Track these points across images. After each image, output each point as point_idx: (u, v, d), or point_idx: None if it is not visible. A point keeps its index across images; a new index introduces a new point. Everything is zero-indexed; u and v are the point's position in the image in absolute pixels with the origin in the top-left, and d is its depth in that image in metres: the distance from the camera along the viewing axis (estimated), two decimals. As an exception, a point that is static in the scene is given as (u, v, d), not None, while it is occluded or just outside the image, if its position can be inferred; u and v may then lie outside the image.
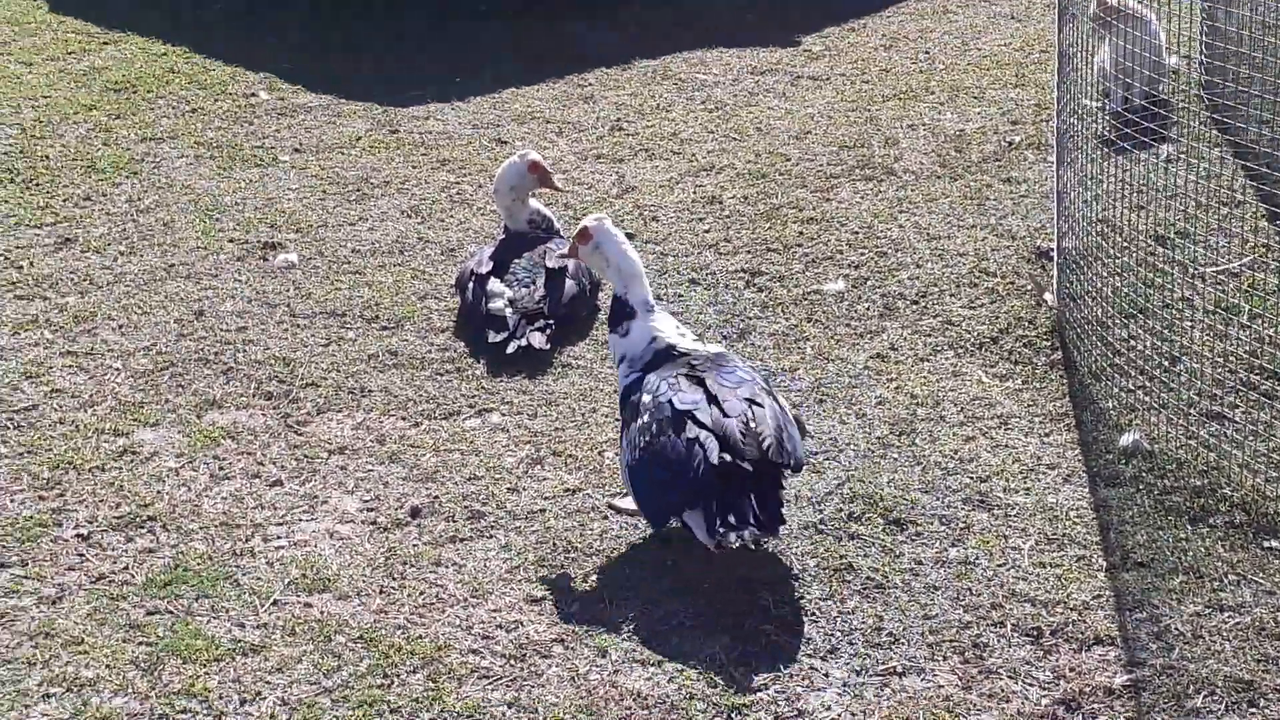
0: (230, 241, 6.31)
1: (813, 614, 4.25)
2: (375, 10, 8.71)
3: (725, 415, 4.27)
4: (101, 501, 4.77)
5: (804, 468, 4.53)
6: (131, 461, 4.97)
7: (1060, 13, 5.65)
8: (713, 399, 4.32)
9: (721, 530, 4.16)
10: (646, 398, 4.38)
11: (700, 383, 4.37)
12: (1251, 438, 4.81)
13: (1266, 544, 4.43)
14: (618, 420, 4.71)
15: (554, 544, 4.54)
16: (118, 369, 5.46)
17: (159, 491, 4.82)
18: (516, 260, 5.67)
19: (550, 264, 5.67)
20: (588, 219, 4.73)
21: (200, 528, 4.65)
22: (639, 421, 4.37)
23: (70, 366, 5.47)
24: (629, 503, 4.59)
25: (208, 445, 5.04)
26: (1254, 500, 4.58)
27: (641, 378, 4.48)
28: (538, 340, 5.46)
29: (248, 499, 4.79)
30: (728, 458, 4.19)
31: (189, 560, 4.50)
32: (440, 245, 6.26)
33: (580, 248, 4.71)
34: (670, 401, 4.32)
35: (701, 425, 4.25)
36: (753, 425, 4.26)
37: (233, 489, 4.84)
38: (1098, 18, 6.13)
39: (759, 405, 4.32)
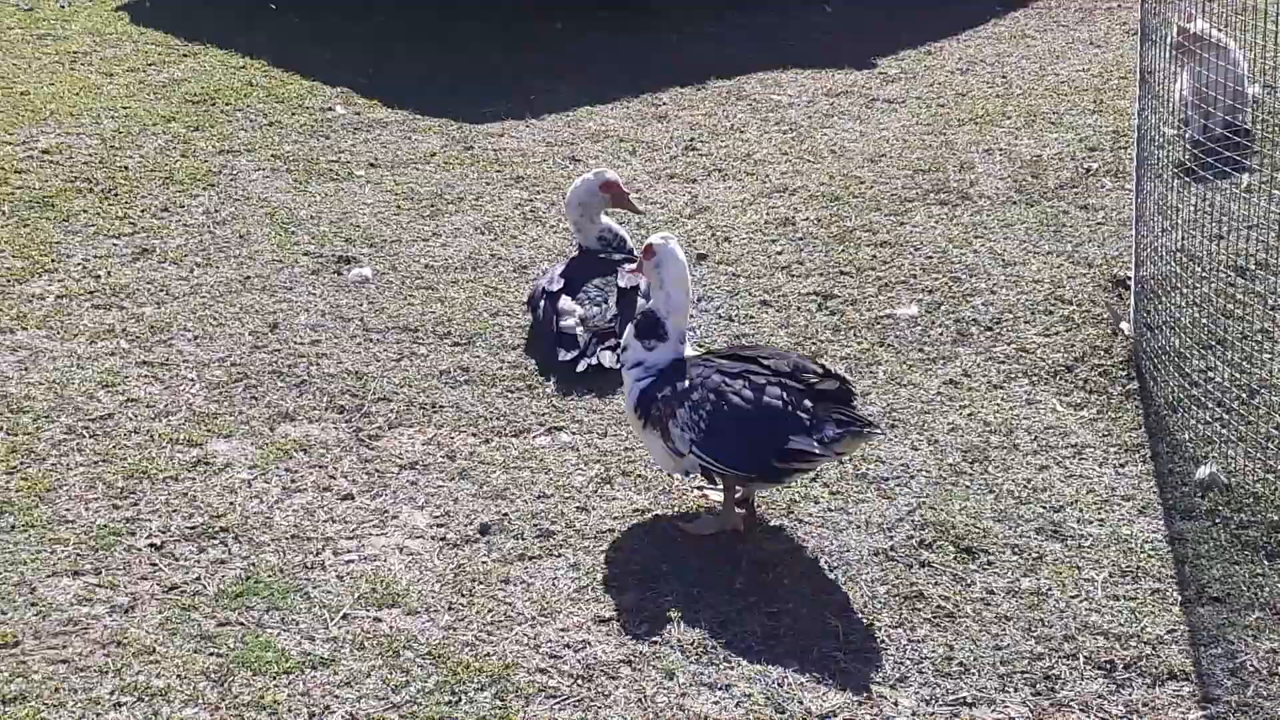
0: (305, 255, 6.35)
1: (883, 641, 4.22)
2: (449, 29, 8.74)
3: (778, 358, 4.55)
4: (175, 511, 4.80)
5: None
6: (205, 472, 4.99)
7: (1141, 38, 5.61)
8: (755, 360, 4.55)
9: (833, 433, 4.33)
10: (686, 383, 4.53)
11: (735, 357, 4.61)
12: (1330, 473, 4.75)
13: (1345, 581, 4.37)
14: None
15: (622, 564, 4.53)
16: (192, 380, 5.50)
17: (231, 503, 4.85)
18: (588, 279, 5.67)
19: (622, 283, 5.67)
20: (655, 236, 4.74)
21: (271, 540, 4.67)
22: (691, 400, 4.50)
23: (146, 376, 5.51)
24: (715, 493, 4.70)
25: (280, 458, 5.07)
26: (1332, 536, 4.53)
27: (658, 379, 4.61)
28: (608, 359, 5.46)
29: (319, 512, 4.81)
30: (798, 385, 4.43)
31: (260, 572, 4.51)
32: (513, 262, 6.27)
33: (645, 263, 4.73)
34: (717, 372, 4.52)
35: (760, 371, 4.48)
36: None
37: (304, 502, 4.86)
38: (1179, 44, 6.08)
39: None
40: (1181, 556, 4.51)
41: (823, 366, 4.54)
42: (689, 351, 4.73)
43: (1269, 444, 4.90)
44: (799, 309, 5.87)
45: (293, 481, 4.96)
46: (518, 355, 5.63)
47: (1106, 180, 6.78)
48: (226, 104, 7.78)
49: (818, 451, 4.36)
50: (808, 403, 4.42)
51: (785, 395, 4.42)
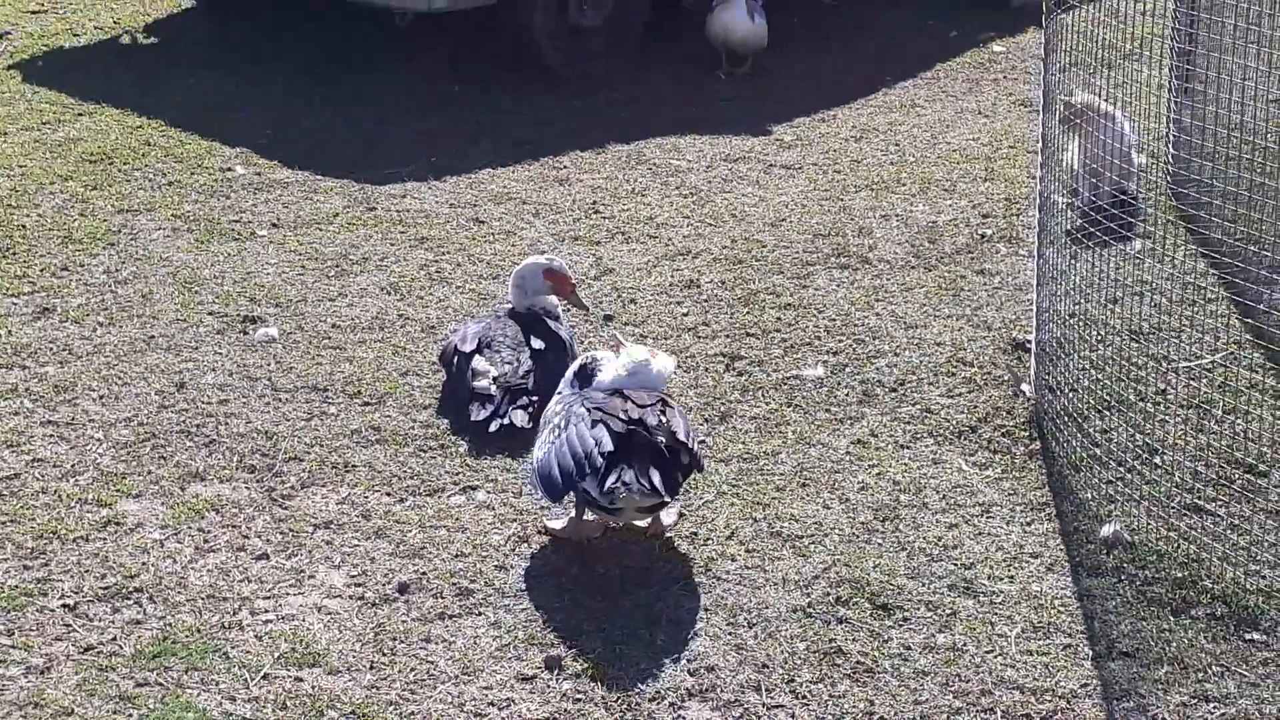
0: (210, 314, 6.31)
1: (804, 697, 4.27)
2: (349, 91, 8.75)
3: (635, 406, 4.73)
4: (87, 572, 4.75)
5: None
6: (115, 532, 4.95)
7: (1043, 108, 5.76)
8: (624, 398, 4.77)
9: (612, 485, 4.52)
10: (560, 408, 4.82)
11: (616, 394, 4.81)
12: (1230, 531, 4.88)
13: (1248, 636, 4.50)
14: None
15: (544, 622, 4.55)
16: (99, 439, 5.45)
17: (144, 563, 4.80)
18: (501, 338, 5.70)
19: (535, 344, 5.70)
20: (661, 358, 5.06)
21: (187, 600, 4.64)
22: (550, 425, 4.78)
23: (51, 436, 5.45)
24: (555, 522, 4.89)
25: (192, 517, 5.03)
26: (1234, 593, 4.65)
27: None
28: (520, 419, 5.49)
29: (234, 572, 4.78)
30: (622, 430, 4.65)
31: (177, 632, 4.48)
32: (420, 323, 6.28)
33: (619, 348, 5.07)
34: (577, 403, 4.77)
35: (606, 415, 4.67)
36: (659, 419, 4.72)
37: (218, 561, 4.83)
38: (1065, 118, 6.25)
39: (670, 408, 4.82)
40: (1090, 612, 4.62)
41: (671, 432, 4.69)
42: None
43: (1170, 503, 5.03)
44: (706, 370, 5.94)
45: (206, 541, 4.93)
46: (429, 415, 5.63)
47: (1001, 246, 6.93)
48: (124, 163, 7.73)
49: (594, 495, 4.57)
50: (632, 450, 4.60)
51: (603, 439, 4.60)
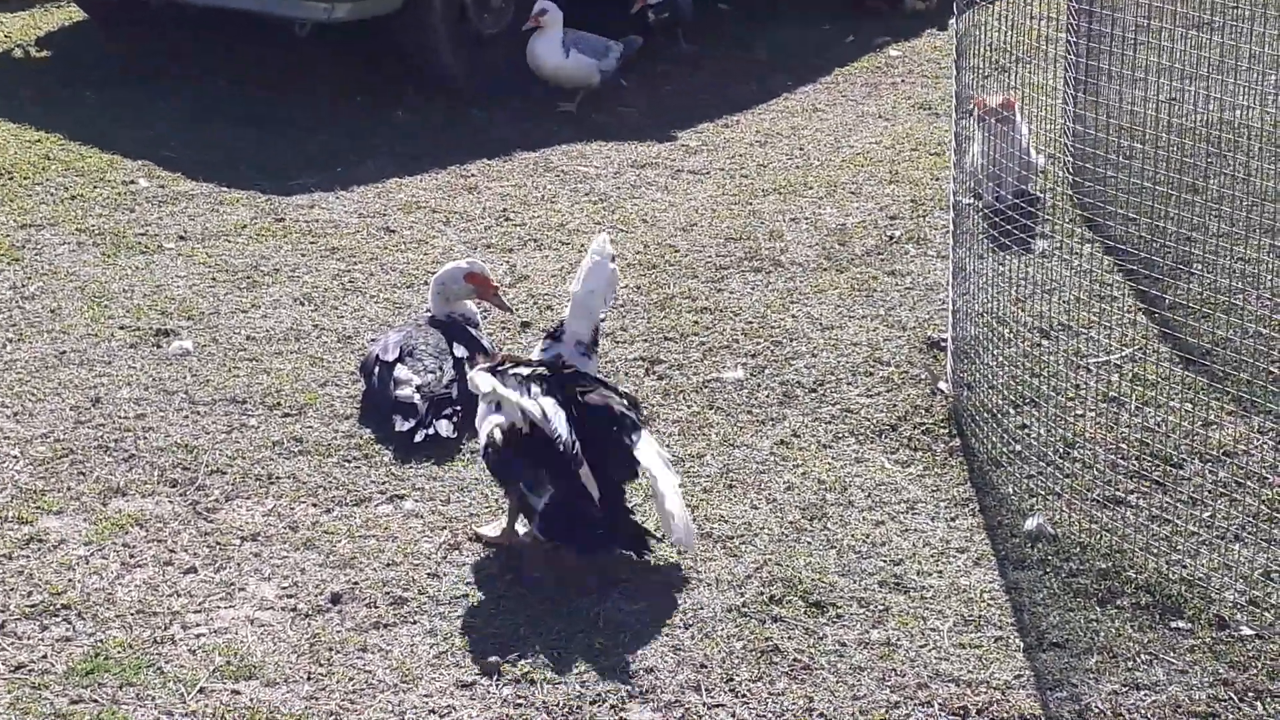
0: (121, 329, 6.24)
1: (744, 695, 4.30)
2: (251, 104, 8.68)
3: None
4: (11, 590, 4.68)
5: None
6: (39, 549, 4.88)
7: (956, 108, 5.84)
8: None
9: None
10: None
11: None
12: (1151, 521, 4.98)
13: (1173, 624, 4.58)
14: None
15: (480, 629, 4.55)
16: (16, 456, 5.37)
17: (70, 580, 4.74)
18: (424, 347, 5.68)
19: (457, 353, 5.69)
20: (600, 236, 5.26)
21: (116, 616, 4.58)
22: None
23: (-34, 454, 5.36)
24: (488, 530, 4.92)
25: (115, 533, 4.97)
26: (1158, 582, 4.74)
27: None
28: (445, 429, 5.47)
29: (162, 586, 4.73)
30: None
31: (109, 648, 4.43)
32: (336, 333, 6.25)
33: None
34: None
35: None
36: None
37: (146, 576, 4.78)
38: (980, 118, 6.34)
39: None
40: (1019, 605, 4.69)
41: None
42: (591, 368, 5.05)
43: (1089, 496, 5.12)
44: (627, 374, 5.96)
45: (131, 557, 4.88)
46: (351, 425, 5.61)
47: (910, 247, 7.01)
48: (25, 178, 7.62)
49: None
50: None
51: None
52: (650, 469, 4.67)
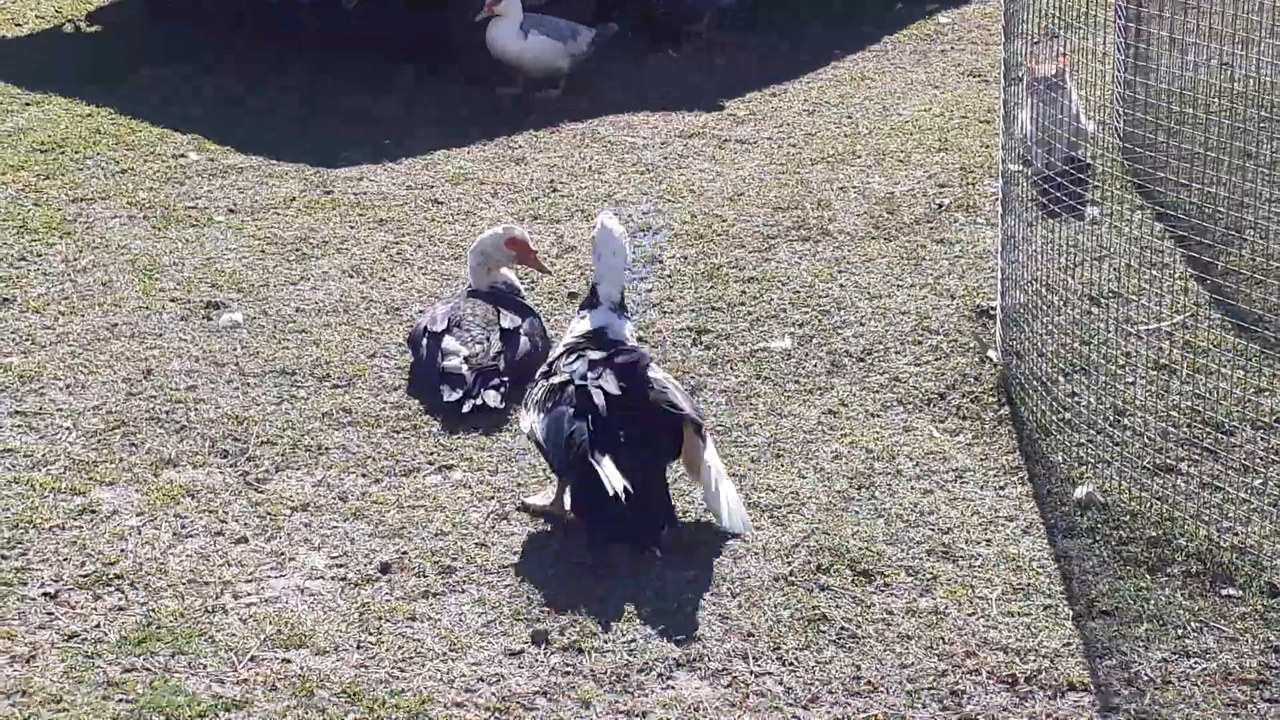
0: (172, 301, 6.28)
1: (791, 663, 4.31)
2: (299, 77, 8.71)
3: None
4: (65, 560, 4.72)
5: None
6: (91, 520, 4.92)
7: (1004, 76, 5.81)
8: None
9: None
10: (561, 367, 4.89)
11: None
12: (1201, 489, 4.95)
13: (1224, 592, 4.56)
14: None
15: (528, 597, 4.56)
16: (68, 428, 5.41)
17: (122, 550, 4.78)
18: (471, 318, 5.70)
19: (505, 323, 5.71)
20: (604, 211, 5.26)
21: (168, 585, 4.62)
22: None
23: (20, 426, 5.41)
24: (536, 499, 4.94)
25: (167, 503, 5.01)
26: (1208, 550, 4.71)
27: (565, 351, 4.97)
28: (492, 399, 5.49)
29: (214, 556, 4.77)
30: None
31: (161, 618, 4.46)
32: (384, 304, 6.27)
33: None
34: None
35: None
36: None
37: (197, 546, 4.82)
38: (1031, 86, 6.30)
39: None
40: (1068, 573, 4.67)
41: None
42: (628, 329, 5.04)
43: (1139, 464, 5.09)
44: (675, 344, 5.96)
45: (183, 527, 4.91)
46: (399, 396, 5.63)
47: (959, 215, 6.97)
48: (76, 152, 7.67)
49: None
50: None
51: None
52: (710, 463, 4.75)
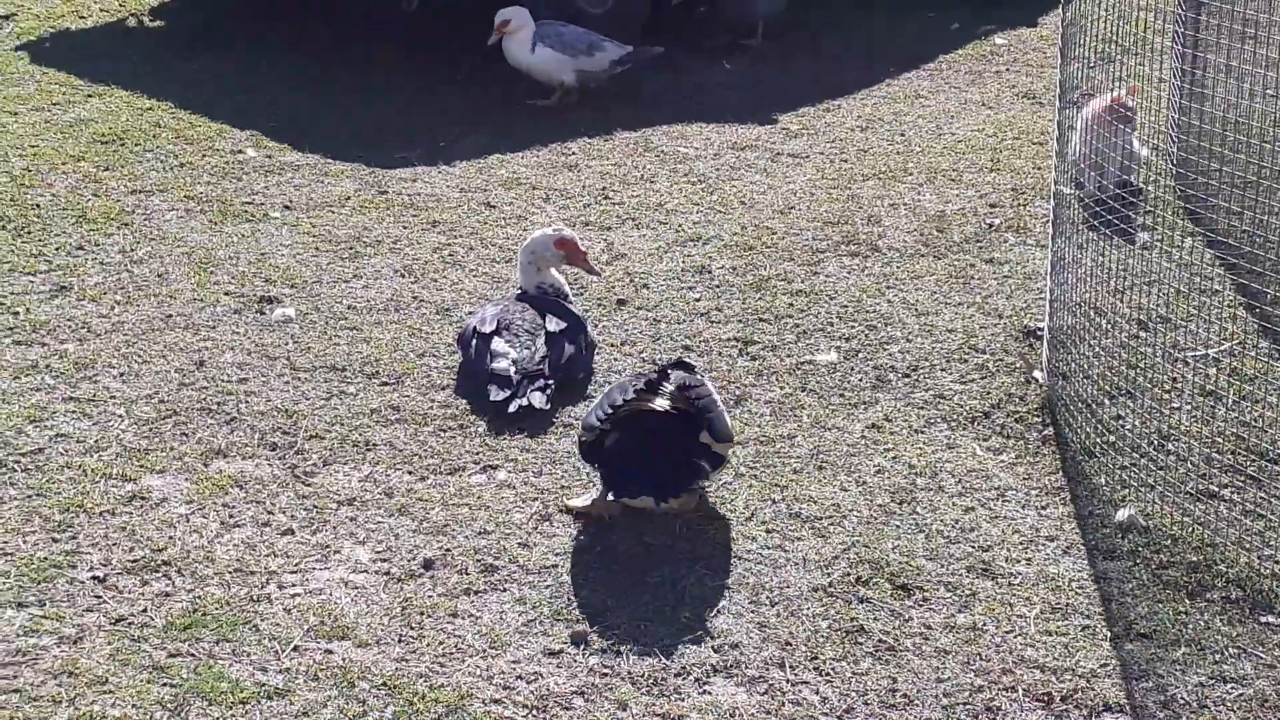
0: (226, 294, 6.35)
1: (827, 674, 4.33)
2: (355, 75, 8.79)
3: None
4: (114, 545, 4.79)
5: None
6: (141, 506, 4.99)
7: (1060, 98, 5.83)
8: None
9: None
10: None
11: None
12: (1244, 516, 4.95)
13: (1263, 619, 4.56)
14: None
15: (568, 598, 4.61)
16: (121, 415, 5.48)
17: (171, 537, 4.85)
18: (519, 322, 5.75)
19: (550, 327, 5.76)
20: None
21: (215, 573, 4.68)
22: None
23: (74, 412, 5.48)
24: (578, 500, 5.02)
25: (216, 493, 5.07)
26: (1249, 577, 4.72)
27: None
28: (539, 400, 5.54)
29: (260, 546, 4.83)
30: None
31: (207, 605, 4.52)
32: (435, 305, 6.33)
33: None
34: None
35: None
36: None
37: (244, 536, 4.88)
38: (1116, 113, 6.33)
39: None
40: (1107, 595, 4.68)
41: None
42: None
43: (1182, 489, 5.10)
44: (720, 354, 5.99)
45: (230, 517, 4.97)
46: (447, 395, 5.68)
47: (1009, 235, 6.99)
48: (135, 144, 7.76)
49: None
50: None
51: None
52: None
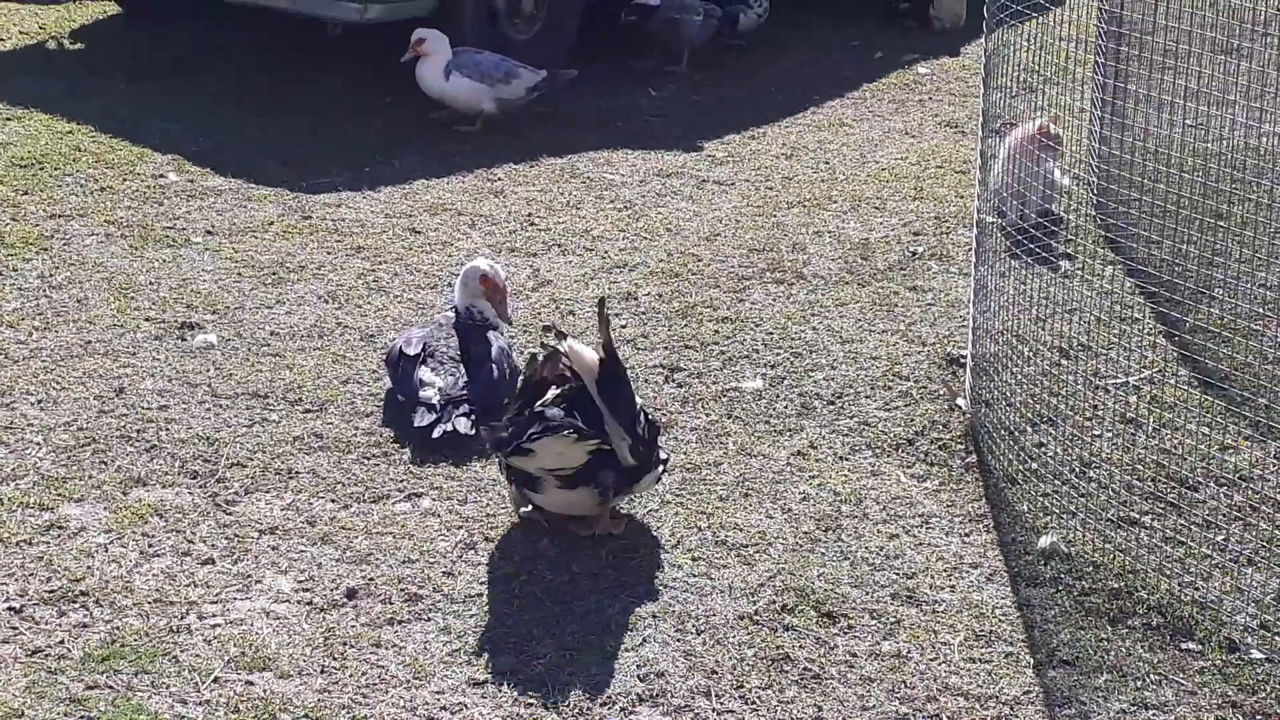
0: (146, 320, 6.29)
1: (754, 702, 4.33)
2: (280, 100, 8.74)
3: None
4: (31, 575, 4.72)
5: None
6: (59, 536, 4.92)
7: (982, 127, 5.87)
8: None
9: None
10: None
11: None
12: (1164, 543, 4.99)
13: (1184, 645, 4.60)
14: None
15: (493, 628, 4.58)
16: (38, 443, 5.41)
17: (89, 567, 4.78)
18: (444, 349, 5.72)
19: (474, 352, 5.73)
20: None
21: (134, 604, 4.62)
22: None
23: (-10, 439, 5.41)
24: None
25: (135, 522, 5.01)
26: (1169, 603, 4.75)
27: None
28: (463, 426, 5.51)
29: (180, 576, 4.77)
30: None
31: (125, 636, 4.46)
32: (359, 331, 6.29)
33: None
34: None
35: None
36: None
37: (164, 566, 4.82)
38: (1040, 143, 6.38)
39: None
40: (1030, 622, 4.70)
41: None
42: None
43: (1103, 516, 5.13)
44: (647, 381, 5.99)
45: (150, 546, 4.91)
46: (371, 422, 5.64)
47: (933, 263, 7.03)
48: (55, 168, 7.68)
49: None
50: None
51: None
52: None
